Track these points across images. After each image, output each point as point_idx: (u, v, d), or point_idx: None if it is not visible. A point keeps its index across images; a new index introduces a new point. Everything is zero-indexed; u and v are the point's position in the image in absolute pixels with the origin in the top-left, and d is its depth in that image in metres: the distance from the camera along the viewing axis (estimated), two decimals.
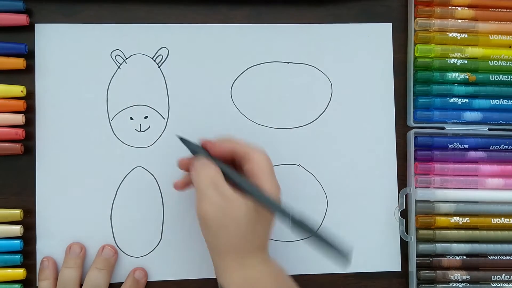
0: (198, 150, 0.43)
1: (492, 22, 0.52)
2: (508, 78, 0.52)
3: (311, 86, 0.51)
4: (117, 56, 0.50)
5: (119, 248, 0.49)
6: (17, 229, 0.47)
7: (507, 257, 0.51)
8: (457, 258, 0.50)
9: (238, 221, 0.39)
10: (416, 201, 0.50)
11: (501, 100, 0.52)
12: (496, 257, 0.51)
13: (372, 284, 0.51)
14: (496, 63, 0.51)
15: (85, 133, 0.49)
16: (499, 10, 0.52)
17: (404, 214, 0.51)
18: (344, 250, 0.37)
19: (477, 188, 0.51)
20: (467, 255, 0.51)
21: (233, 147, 0.42)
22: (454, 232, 0.50)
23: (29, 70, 0.49)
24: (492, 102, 0.51)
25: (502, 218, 0.51)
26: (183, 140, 0.44)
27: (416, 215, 0.50)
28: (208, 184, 0.40)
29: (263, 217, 0.41)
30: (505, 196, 0.51)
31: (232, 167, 0.43)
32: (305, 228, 0.38)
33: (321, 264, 0.50)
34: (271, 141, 0.51)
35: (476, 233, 0.51)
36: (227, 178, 0.41)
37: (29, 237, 0.48)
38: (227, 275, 0.40)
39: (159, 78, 0.50)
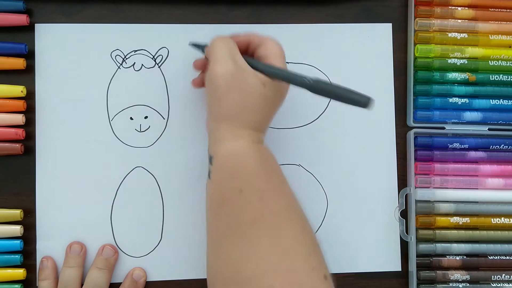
0: None
1: (492, 22, 0.52)
2: (508, 78, 0.52)
3: None
4: (117, 56, 0.50)
5: (119, 248, 0.49)
6: (17, 229, 0.47)
7: (507, 257, 0.51)
8: (457, 258, 0.50)
9: (250, 89, 0.40)
10: (416, 201, 0.50)
11: (501, 100, 0.52)
12: (496, 257, 0.51)
13: (372, 284, 0.51)
14: (496, 63, 0.51)
15: (85, 133, 0.49)
16: (499, 10, 0.52)
17: (404, 214, 0.51)
18: (365, 98, 0.37)
19: (477, 188, 0.51)
20: (467, 255, 0.51)
21: (248, 38, 0.44)
22: (454, 232, 0.50)
23: (29, 70, 0.49)
24: (492, 102, 0.51)
25: (502, 218, 0.51)
26: (196, 46, 0.47)
27: (416, 215, 0.50)
28: (225, 51, 0.41)
29: (270, 95, 0.42)
30: (505, 196, 0.51)
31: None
32: (323, 89, 0.38)
33: None
34: (271, 141, 0.50)
35: (476, 233, 0.51)
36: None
37: (29, 237, 0.48)
38: (219, 143, 0.41)
39: (159, 78, 0.50)
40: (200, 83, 0.48)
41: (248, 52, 0.45)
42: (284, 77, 0.41)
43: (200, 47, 0.47)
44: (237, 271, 0.37)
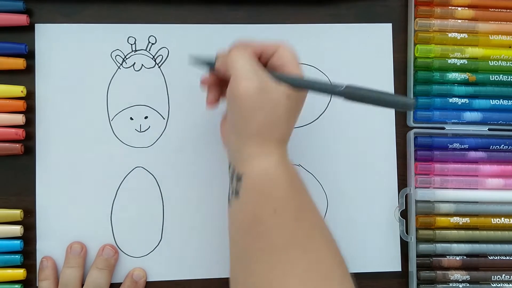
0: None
1: (492, 22, 0.52)
2: (508, 78, 0.52)
3: None
4: (117, 56, 0.50)
5: (119, 248, 0.49)
6: (17, 229, 0.47)
7: (507, 257, 0.51)
8: (457, 258, 0.50)
9: (276, 103, 0.38)
10: (416, 201, 0.50)
11: (501, 100, 0.52)
12: (496, 257, 0.51)
13: (372, 284, 0.51)
14: (496, 63, 0.51)
15: (85, 133, 0.49)
16: (499, 10, 0.52)
17: (404, 214, 0.51)
18: (408, 100, 0.34)
19: (477, 188, 0.51)
20: (467, 255, 0.51)
21: (261, 47, 0.41)
22: (454, 232, 0.50)
23: (29, 70, 0.49)
24: (492, 102, 0.51)
25: (502, 218, 0.51)
26: (197, 60, 0.44)
27: (416, 215, 0.50)
28: (247, 65, 0.39)
29: (293, 106, 0.40)
30: (505, 196, 0.51)
31: None
32: (359, 95, 0.36)
33: None
34: None
35: (476, 233, 0.51)
36: None
37: (29, 237, 0.48)
38: (248, 161, 0.39)
39: (159, 78, 0.50)
40: (214, 101, 0.45)
41: (260, 60, 0.41)
42: (314, 88, 0.39)
43: (207, 63, 0.43)
44: None
